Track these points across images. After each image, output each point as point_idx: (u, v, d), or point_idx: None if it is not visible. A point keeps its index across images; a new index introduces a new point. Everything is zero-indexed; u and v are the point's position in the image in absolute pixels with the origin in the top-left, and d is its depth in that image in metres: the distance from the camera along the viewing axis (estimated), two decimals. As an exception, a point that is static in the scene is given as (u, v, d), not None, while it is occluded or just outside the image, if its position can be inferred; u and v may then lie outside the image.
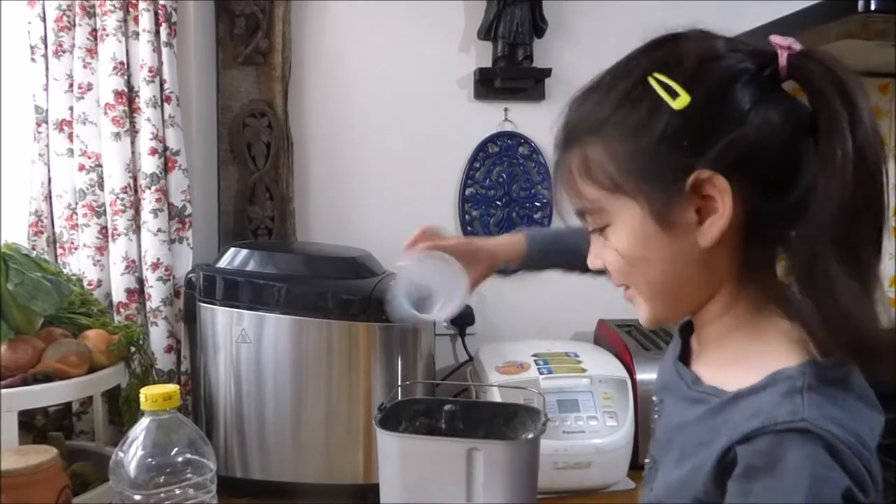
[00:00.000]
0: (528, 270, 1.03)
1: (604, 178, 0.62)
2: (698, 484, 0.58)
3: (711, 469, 0.56)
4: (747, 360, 0.60)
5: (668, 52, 0.63)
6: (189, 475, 0.75)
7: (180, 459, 0.75)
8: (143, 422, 0.74)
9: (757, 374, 0.57)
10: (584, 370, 1.33)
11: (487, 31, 1.59)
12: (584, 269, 0.78)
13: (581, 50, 1.65)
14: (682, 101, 0.58)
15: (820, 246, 0.54)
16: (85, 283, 1.32)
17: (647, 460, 0.74)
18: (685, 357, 0.71)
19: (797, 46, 0.58)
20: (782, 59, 0.58)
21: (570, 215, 0.69)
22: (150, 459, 0.74)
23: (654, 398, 0.75)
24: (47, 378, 1.08)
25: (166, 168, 1.34)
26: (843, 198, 0.53)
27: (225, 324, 1.26)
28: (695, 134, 0.58)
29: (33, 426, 1.20)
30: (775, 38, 0.59)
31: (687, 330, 0.73)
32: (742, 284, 0.63)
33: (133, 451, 0.74)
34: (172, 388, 0.74)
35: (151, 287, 1.32)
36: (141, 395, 0.74)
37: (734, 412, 0.57)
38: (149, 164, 1.31)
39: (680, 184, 0.58)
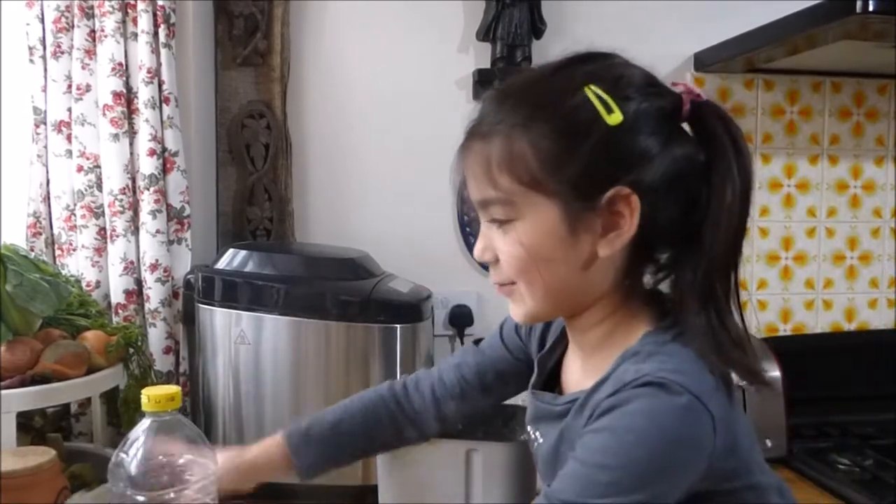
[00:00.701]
0: (315, 472, 0.94)
1: (524, 172, 0.63)
2: None
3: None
4: (601, 356, 0.68)
5: (602, 68, 0.65)
6: (190, 476, 0.75)
7: (181, 461, 0.75)
8: (144, 422, 0.74)
9: (609, 357, 0.66)
10: (582, 371, 1.33)
11: (486, 33, 1.59)
12: (391, 445, 0.88)
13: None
14: (615, 118, 0.61)
15: (712, 271, 0.62)
16: (83, 285, 1.32)
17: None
18: (551, 380, 0.77)
19: (699, 94, 0.65)
20: (686, 103, 0.65)
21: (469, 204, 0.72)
22: (151, 460, 0.73)
23: (528, 431, 0.77)
24: (45, 379, 1.08)
25: (165, 169, 1.33)
26: (732, 230, 0.62)
27: (223, 325, 1.26)
28: (621, 152, 0.62)
29: (32, 427, 1.20)
30: (679, 85, 0.66)
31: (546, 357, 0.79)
32: (620, 296, 0.68)
33: (134, 452, 0.73)
34: (174, 388, 0.74)
35: (150, 288, 1.31)
36: (142, 396, 0.73)
37: (596, 397, 0.63)
38: (147, 165, 1.31)
39: (599, 195, 0.62)
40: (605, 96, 0.62)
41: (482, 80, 1.61)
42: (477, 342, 0.94)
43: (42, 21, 1.31)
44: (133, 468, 0.73)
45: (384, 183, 1.63)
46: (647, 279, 0.70)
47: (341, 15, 1.60)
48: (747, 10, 1.51)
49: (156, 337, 1.32)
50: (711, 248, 0.62)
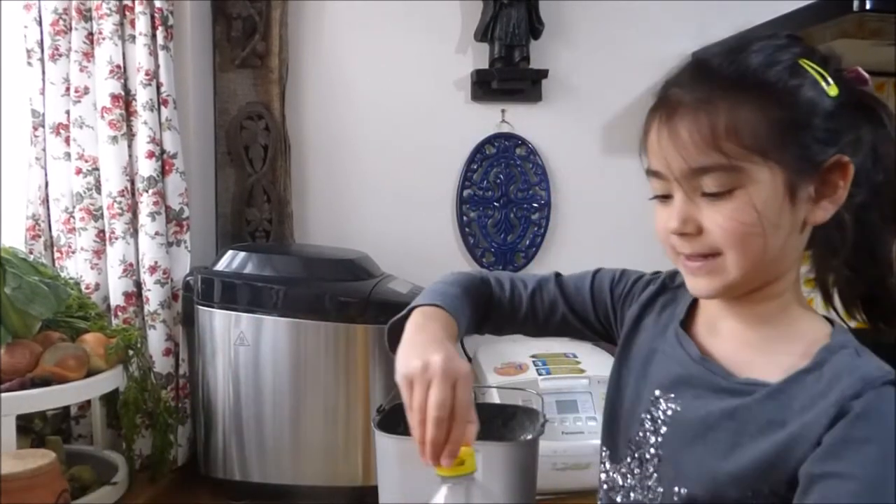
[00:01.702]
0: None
1: (753, 139, 0.62)
2: (795, 455, 0.62)
3: (820, 432, 0.61)
4: (786, 340, 0.68)
5: (806, 49, 0.67)
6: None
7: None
8: (443, 490, 0.67)
9: (796, 353, 0.66)
10: (582, 371, 1.33)
11: (484, 33, 1.59)
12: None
13: (577, 51, 1.66)
14: (833, 90, 0.64)
15: (882, 222, 0.67)
16: (82, 287, 1.31)
17: (628, 462, 0.74)
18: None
19: (866, 77, 0.69)
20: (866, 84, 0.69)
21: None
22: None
23: (656, 394, 0.74)
24: (45, 382, 1.08)
25: (163, 171, 1.33)
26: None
27: (223, 326, 1.26)
28: (839, 123, 0.64)
29: (31, 430, 1.20)
30: (850, 70, 0.69)
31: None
32: (796, 272, 0.70)
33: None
34: (468, 451, 0.66)
35: (149, 290, 1.31)
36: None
37: (808, 388, 0.64)
38: (146, 168, 1.31)
39: (821, 162, 0.63)
40: (820, 70, 0.64)
41: (480, 81, 1.61)
42: (559, 275, 0.90)
43: (40, 24, 1.31)
44: None
45: (383, 183, 1.63)
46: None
47: (339, 16, 1.60)
48: (745, 9, 1.51)
49: (155, 339, 1.32)
50: (883, 208, 0.67)
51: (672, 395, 0.73)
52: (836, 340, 0.67)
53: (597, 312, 0.87)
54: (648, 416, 0.74)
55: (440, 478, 0.66)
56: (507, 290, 0.88)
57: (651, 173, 0.69)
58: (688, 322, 0.77)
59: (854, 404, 0.60)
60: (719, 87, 0.64)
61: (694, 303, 0.77)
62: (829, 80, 0.64)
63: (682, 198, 0.66)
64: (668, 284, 0.82)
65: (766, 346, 0.69)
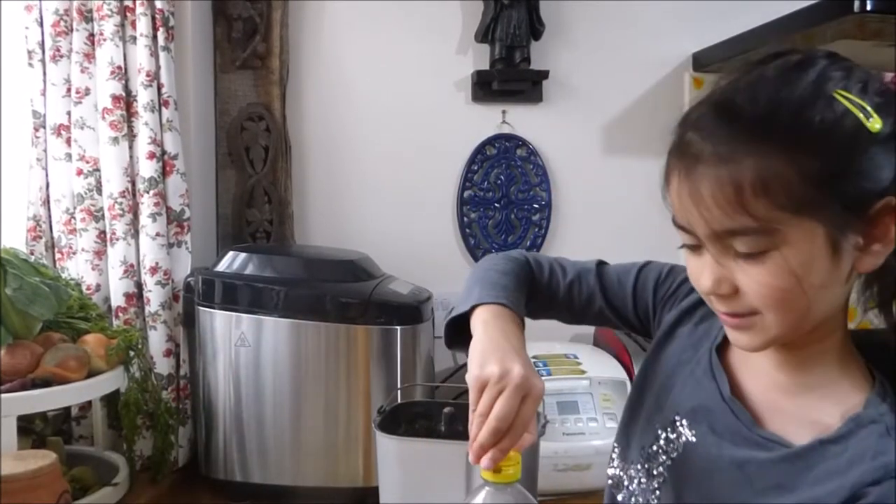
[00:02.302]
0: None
1: (784, 197, 0.55)
2: None
3: None
4: (821, 395, 0.63)
5: (844, 71, 0.59)
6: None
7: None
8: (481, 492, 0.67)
9: (825, 411, 0.61)
10: (583, 372, 1.33)
11: (485, 34, 1.59)
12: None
13: (578, 52, 1.66)
14: (875, 123, 0.56)
15: None
16: (83, 288, 1.32)
17: (638, 469, 0.73)
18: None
19: None
20: None
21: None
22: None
23: (676, 417, 0.71)
24: (46, 383, 1.08)
25: (164, 172, 1.33)
26: None
27: (224, 327, 1.26)
28: (886, 157, 0.56)
29: (32, 431, 1.20)
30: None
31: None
32: (842, 316, 0.65)
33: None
34: (515, 457, 0.66)
35: (150, 291, 1.31)
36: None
37: (827, 461, 0.59)
38: (147, 169, 1.31)
39: (868, 208, 0.57)
40: (859, 102, 0.56)
41: (481, 82, 1.61)
42: (601, 263, 0.86)
43: (41, 25, 1.31)
44: None
45: (384, 184, 1.63)
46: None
47: (340, 17, 1.60)
48: (746, 10, 1.52)
49: (156, 340, 1.32)
50: None
51: (691, 424, 0.70)
52: (868, 412, 0.60)
53: (636, 310, 0.83)
54: (664, 435, 0.72)
55: (483, 480, 0.67)
56: (546, 275, 0.85)
57: (677, 225, 0.63)
58: (723, 346, 0.72)
59: (869, 491, 0.56)
60: (743, 135, 0.56)
61: None
62: (871, 111, 0.56)
63: (713, 257, 0.60)
64: None
65: (799, 395, 0.64)
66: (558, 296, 0.84)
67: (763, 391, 0.67)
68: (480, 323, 0.73)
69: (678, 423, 0.71)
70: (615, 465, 0.78)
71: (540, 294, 0.84)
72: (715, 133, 0.58)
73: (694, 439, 0.69)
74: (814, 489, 0.58)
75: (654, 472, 0.71)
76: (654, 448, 0.72)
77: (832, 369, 0.64)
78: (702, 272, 0.61)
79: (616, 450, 0.79)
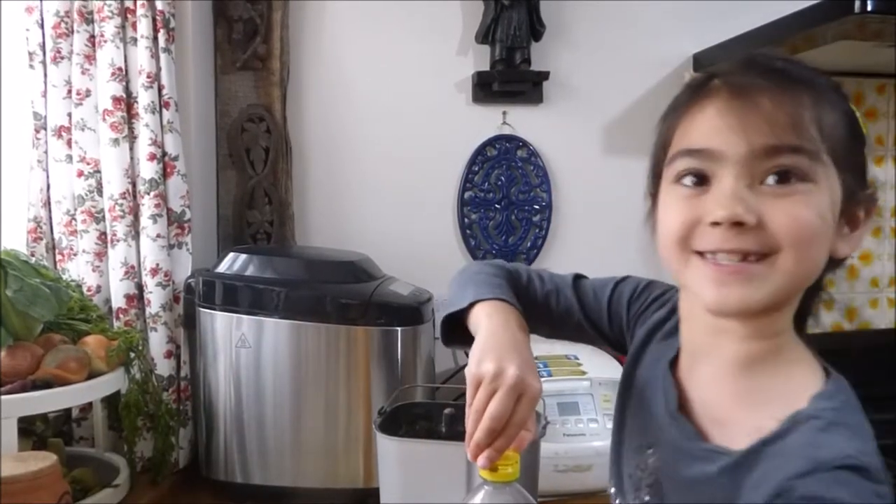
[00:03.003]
0: None
1: (831, 138, 0.58)
2: None
3: None
4: (770, 396, 0.61)
5: (840, 86, 0.63)
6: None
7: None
8: (480, 491, 0.68)
9: (770, 415, 0.58)
10: (583, 372, 1.33)
11: (485, 35, 1.59)
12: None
13: (579, 53, 1.66)
14: (865, 134, 0.62)
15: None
16: (84, 289, 1.32)
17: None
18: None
19: None
20: None
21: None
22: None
23: (644, 441, 0.70)
24: (47, 384, 1.08)
25: (165, 173, 1.34)
26: None
27: (224, 328, 1.26)
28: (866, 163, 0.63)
29: (33, 432, 1.20)
30: None
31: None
32: (794, 309, 0.63)
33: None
34: (513, 456, 0.66)
35: (151, 292, 1.31)
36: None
37: (764, 463, 0.57)
38: (147, 170, 1.31)
39: (862, 191, 0.61)
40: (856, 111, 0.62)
41: (481, 83, 1.61)
42: (578, 277, 0.85)
43: (42, 26, 1.31)
44: None
45: (384, 185, 1.63)
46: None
47: (340, 19, 1.60)
48: (746, 11, 1.52)
49: (157, 341, 1.32)
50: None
51: (653, 446, 0.69)
52: (810, 407, 0.57)
53: (611, 325, 0.81)
54: (642, 459, 0.70)
55: (482, 479, 0.67)
56: (524, 283, 0.84)
57: (688, 153, 0.60)
58: (676, 360, 0.70)
59: (796, 484, 0.53)
60: (796, 81, 0.59)
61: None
62: (862, 124, 0.62)
63: (740, 182, 0.57)
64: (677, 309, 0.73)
65: (747, 401, 0.62)
66: (536, 305, 0.83)
67: (710, 402, 0.65)
68: (484, 316, 0.72)
69: (646, 448, 0.70)
70: (615, 501, 0.77)
71: (519, 301, 0.81)
72: (765, 74, 0.59)
73: (659, 462, 0.68)
74: (752, 494, 0.56)
75: (644, 500, 0.70)
76: (639, 473, 0.71)
77: (781, 371, 0.61)
78: (719, 202, 0.57)
79: (612, 484, 0.78)
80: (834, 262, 0.61)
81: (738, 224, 0.56)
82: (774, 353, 0.61)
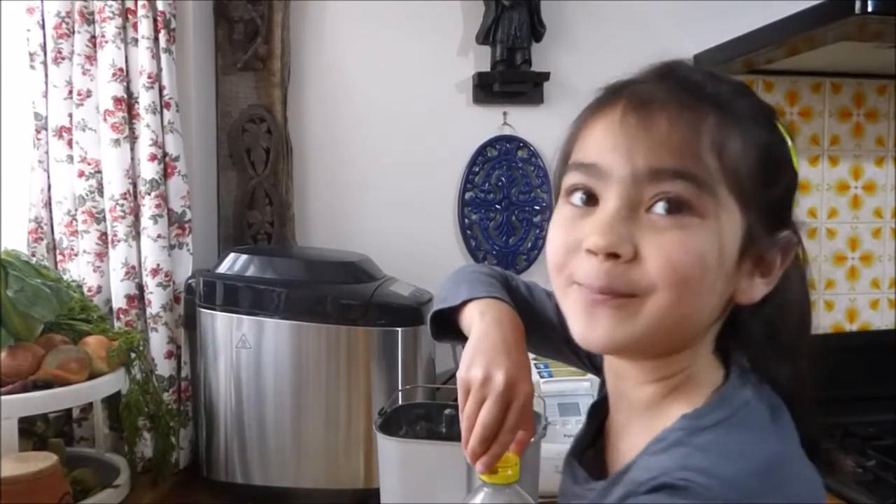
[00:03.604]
0: None
1: (733, 167, 0.52)
2: None
3: None
4: (652, 426, 0.56)
5: (771, 111, 0.58)
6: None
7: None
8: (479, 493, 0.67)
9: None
10: (584, 373, 1.32)
11: (486, 36, 1.59)
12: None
13: (579, 54, 1.66)
14: (797, 166, 0.57)
15: (800, 321, 0.59)
16: (85, 290, 1.32)
17: None
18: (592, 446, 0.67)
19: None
20: None
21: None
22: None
23: None
24: (47, 385, 1.08)
25: (166, 174, 1.34)
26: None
27: (225, 329, 1.26)
28: (793, 201, 0.57)
29: (33, 433, 1.20)
30: None
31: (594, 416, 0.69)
32: (699, 350, 0.58)
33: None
34: (512, 458, 0.65)
35: (151, 293, 1.31)
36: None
37: (616, 489, 0.55)
38: (148, 170, 1.31)
39: (776, 232, 0.55)
40: (791, 142, 0.57)
41: (482, 84, 1.61)
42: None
43: (43, 27, 1.31)
44: None
45: (385, 186, 1.63)
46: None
47: (341, 19, 1.60)
48: (747, 12, 1.52)
49: (157, 341, 1.32)
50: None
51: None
52: (670, 427, 0.53)
53: (589, 354, 0.77)
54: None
55: (481, 481, 0.66)
56: (514, 290, 0.82)
57: (579, 167, 0.56)
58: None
59: None
60: (705, 99, 0.53)
61: None
62: (792, 152, 0.57)
63: (621, 207, 0.52)
64: None
65: (636, 432, 0.58)
66: (522, 314, 0.78)
67: (621, 449, 0.62)
68: (477, 314, 0.70)
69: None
70: None
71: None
72: (674, 88, 0.54)
73: None
74: None
75: None
76: None
77: (683, 401, 0.56)
78: (594, 229, 0.52)
79: None
80: (755, 304, 0.56)
81: (613, 255, 0.52)
82: (679, 390, 0.57)
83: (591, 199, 0.55)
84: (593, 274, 0.53)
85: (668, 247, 0.51)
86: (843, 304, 1.76)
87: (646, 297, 0.52)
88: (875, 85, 1.74)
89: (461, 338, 0.72)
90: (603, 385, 0.70)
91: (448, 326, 0.76)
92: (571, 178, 0.56)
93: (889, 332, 1.75)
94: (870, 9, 1.14)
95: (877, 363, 1.58)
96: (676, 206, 0.51)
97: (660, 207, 0.52)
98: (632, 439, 0.59)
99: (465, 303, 0.73)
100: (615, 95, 0.57)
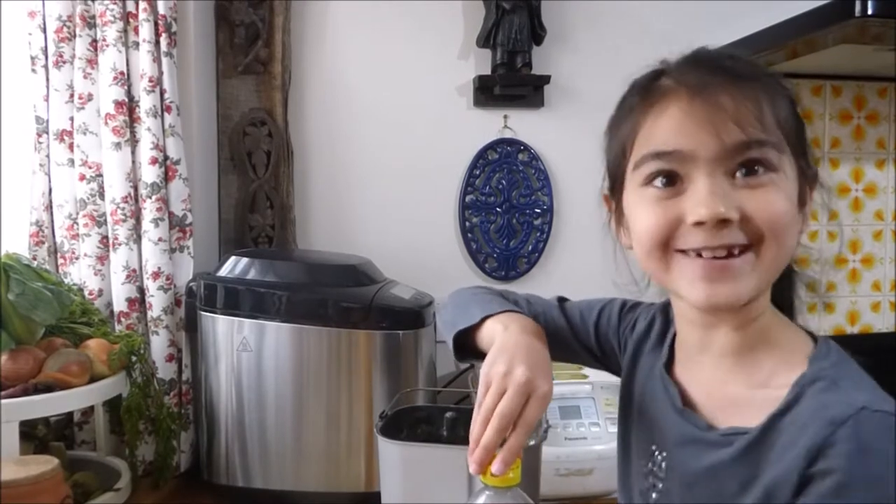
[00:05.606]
0: None
1: (786, 127, 0.61)
2: None
3: (791, 490, 0.55)
4: (768, 372, 0.63)
5: (775, 71, 0.65)
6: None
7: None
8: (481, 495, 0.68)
9: (776, 385, 0.61)
10: (585, 376, 1.33)
11: (486, 39, 1.59)
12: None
13: (579, 57, 1.66)
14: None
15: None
16: (86, 293, 1.32)
17: None
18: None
19: None
20: None
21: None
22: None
23: (652, 448, 0.71)
24: (48, 388, 1.08)
25: (167, 177, 1.34)
26: None
27: (226, 332, 1.26)
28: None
29: (34, 436, 1.20)
30: None
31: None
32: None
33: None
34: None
35: (152, 296, 1.32)
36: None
37: (781, 436, 0.58)
38: (149, 174, 1.31)
39: (812, 173, 0.64)
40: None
41: (482, 87, 1.62)
42: (562, 300, 0.87)
43: (44, 31, 1.32)
44: None
45: (385, 189, 1.63)
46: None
47: (342, 23, 1.60)
48: (747, 15, 1.52)
49: (158, 345, 1.32)
50: None
51: (660, 448, 0.70)
52: (811, 370, 0.60)
53: (600, 345, 0.83)
54: (650, 468, 0.71)
55: (483, 484, 0.67)
56: (512, 304, 0.84)
57: (658, 156, 0.61)
58: (670, 362, 0.72)
59: (829, 453, 0.53)
60: (743, 75, 0.60)
61: (675, 338, 0.73)
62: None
63: (715, 180, 0.59)
64: (659, 316, 0.77)
65: (747, 381, 0.64)
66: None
67: (714, 393, 0.67)
68: (500, 327, 0.74)
69: (655, 453, 0.70)
70: None
71: None
72: (716, 70, 0.61)
73: (670, 462, 0.68)
74: (776, 467, 0.57)
75: (652, 501, 0.70)
76: (647, 485, 0.71)
77: (773, 345, 0.64)
78: (700, 201, 0.59)
79: (621, 494, 0.78)
80: None
81: (722, 221, 0.58)
82: (764, 332, 0.64)
83: (672, 181, 0.61)
84: (707, 239, 0.59)
85: (766, 202, 0.58)
86: (844, 306, 1.76)
87: (757, 248, 0.59)
88: (875, 87, 1.74)
89: (480, 356, 0.74)
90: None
91: (465, 347, 0.80)
92: (650, 167, 0.62)
93: (890, 335, 1.75)
94: (870, 11, 1.14)
95: (877, 365, 1.57)
96: (763, 168, 0.59)
97: (740, 173, 0.59)
98: (728, 381, 0.65)
99: (482, 321, 0.77)
100: (660, 86, 0.63)
